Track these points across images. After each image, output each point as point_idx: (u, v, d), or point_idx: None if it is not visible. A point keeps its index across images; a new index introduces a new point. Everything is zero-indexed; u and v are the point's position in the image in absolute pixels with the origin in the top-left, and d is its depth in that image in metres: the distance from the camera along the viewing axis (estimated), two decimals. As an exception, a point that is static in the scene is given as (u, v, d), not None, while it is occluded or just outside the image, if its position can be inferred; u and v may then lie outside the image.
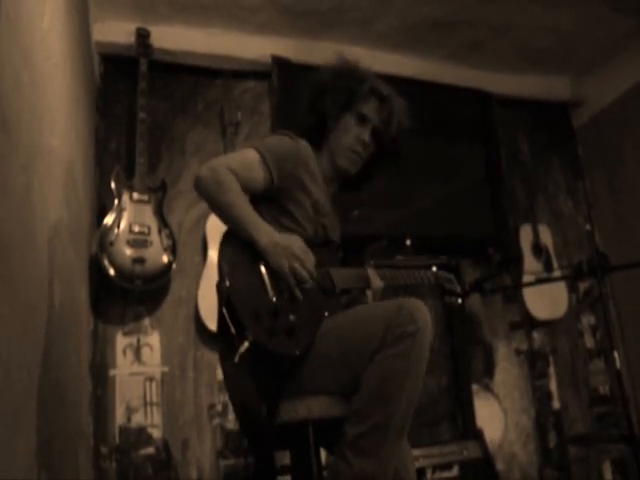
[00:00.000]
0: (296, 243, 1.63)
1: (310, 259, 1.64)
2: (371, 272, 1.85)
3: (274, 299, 1.58)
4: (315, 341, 1.61)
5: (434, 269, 2.03)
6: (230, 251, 1.60)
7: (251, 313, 1.52)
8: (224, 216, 1.65)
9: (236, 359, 1.48)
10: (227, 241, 1.62)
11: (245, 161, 1.70)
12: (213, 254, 3.07)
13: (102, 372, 2.90)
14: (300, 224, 1.75)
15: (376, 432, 1.49)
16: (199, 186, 1.65)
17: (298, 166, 1.75)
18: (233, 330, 1.50)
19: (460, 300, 2.06)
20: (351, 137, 1.84)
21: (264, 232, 1.60)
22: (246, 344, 1.47)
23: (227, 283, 1.52)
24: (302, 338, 1.58)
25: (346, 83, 1.84)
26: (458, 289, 2.06)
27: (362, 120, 1.85)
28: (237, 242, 1.61)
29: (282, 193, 1.74)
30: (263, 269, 1.60)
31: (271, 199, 1.75)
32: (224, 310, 1.53)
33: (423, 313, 1.53)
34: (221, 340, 1.71)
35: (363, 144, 1.85)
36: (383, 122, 1.86)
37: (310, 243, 1.69)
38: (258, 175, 1.70)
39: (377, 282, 1.85)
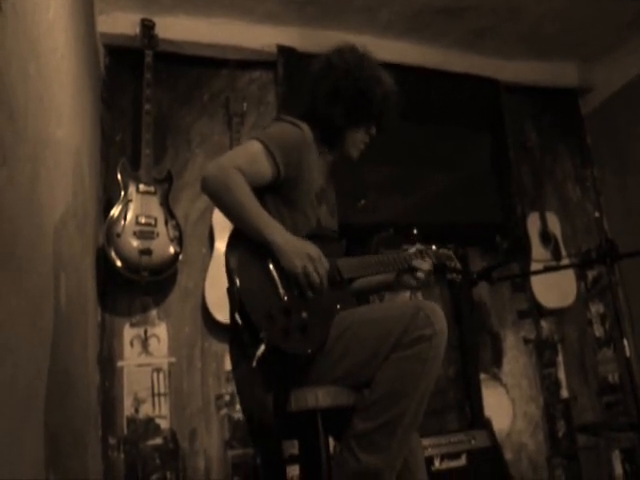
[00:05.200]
0: (311, 246, 1.61)
1: (324, 265, 1.62)
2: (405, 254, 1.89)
3: (285, 298, 1.57)
4: (331, 336, 1.60)
5: (434, 247, 2.00)
6: (237, 254, 1.58)
7: (264, 314, 1.51)
8: (234, 216, 1.63)
9: (254, 364, 1.46)
10: (233, 244, 1.61)
11: (251, 156, 1.67)
12: (220, 245, 3.06)
13: (110, 363, 2.91)
14: (305, 214, 1.75)
15: (386, 429, 1.50)
16: (207, 186, 1.62)
17: (303, 154, 1.74)
18: (247, 335, 1.50)
19: (461, 276, 2.03)
20: (362, 144, 1.92)
21: (278, 231, 1.59)
22: (262, 347, 1.47)
23: (237, 286, 1.51)
24: (315, 335, 1.58)
25: (361, 98, 1.82)
26: (459, 265, 2.04)
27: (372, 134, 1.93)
28: (243, 244, 1.60)
29: (287, 183, 1.72)
30: (272, 267, 1.59)
31: (275, 190, 1.73)
32: (237, 315, 1.52)
33: (439, 316, 1.55)
34: (234, 347, 1.70)
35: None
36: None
37: (314, 235, 1.70)
38: (265, 169, 1.68)
39: (423, 264, 1.88)
